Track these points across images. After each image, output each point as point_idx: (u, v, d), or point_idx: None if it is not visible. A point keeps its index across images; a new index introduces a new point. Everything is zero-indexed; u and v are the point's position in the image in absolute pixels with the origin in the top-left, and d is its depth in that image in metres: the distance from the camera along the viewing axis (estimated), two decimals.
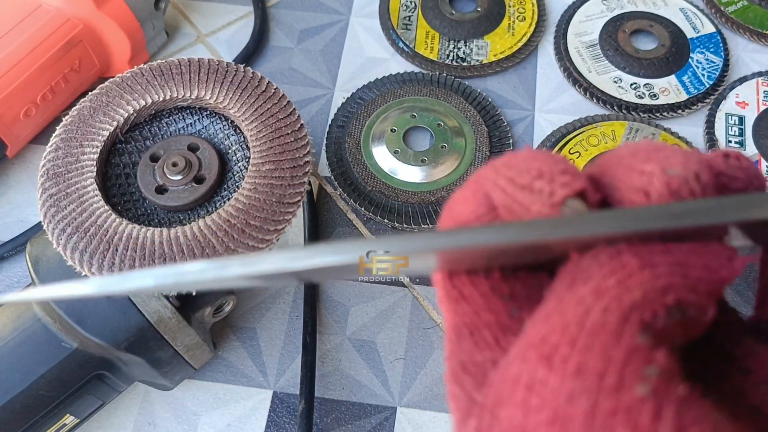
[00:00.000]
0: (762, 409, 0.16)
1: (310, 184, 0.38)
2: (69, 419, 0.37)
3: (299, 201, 0.35)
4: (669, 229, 0.14)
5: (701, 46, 0.57)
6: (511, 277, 0.17)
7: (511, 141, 0.52)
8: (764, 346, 0.17)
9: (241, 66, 0.39)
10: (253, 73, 0.39)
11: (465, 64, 0.56)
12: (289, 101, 0.38)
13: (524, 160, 0.17)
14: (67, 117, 0.37)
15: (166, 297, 0.35)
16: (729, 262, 0.15)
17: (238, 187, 0.36)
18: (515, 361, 0.14)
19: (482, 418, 0.14)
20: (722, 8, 0.59)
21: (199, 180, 0.36)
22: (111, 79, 0.38)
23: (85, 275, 0.33)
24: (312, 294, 0.46)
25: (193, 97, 0.38)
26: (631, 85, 0.55)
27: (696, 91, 0.55)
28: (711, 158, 0.16)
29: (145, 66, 0.39)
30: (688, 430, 0.12)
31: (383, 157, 0.51)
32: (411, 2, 0.60)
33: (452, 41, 0.58)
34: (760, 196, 0.15)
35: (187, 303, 0.37)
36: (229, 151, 0.38)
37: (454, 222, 0.18)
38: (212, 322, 0.40)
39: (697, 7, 0.59)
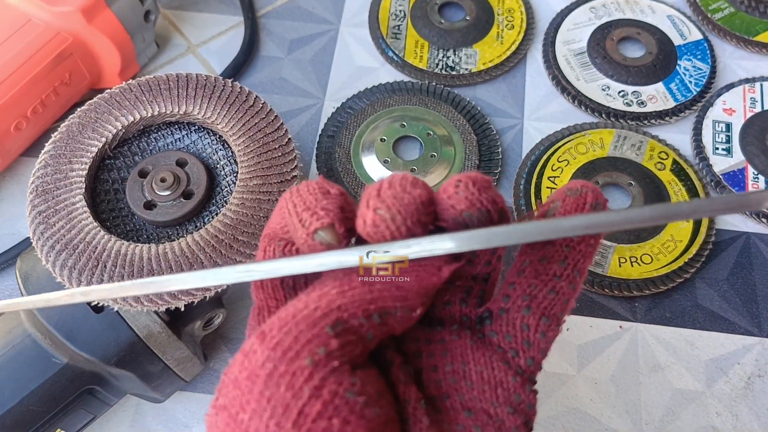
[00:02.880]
0: (428, 387, 0.22)
1: None
2: None
3: None
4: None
5: (688, 53, 0.57)
6: (300, 276, 0.23)
7: (500, 149, 0.53)
8: (462, 337, 0.23)
9: (229, 81, 0.39)
10: (241, 87, 0.39)
11: (454, 72, 0.57)
12: (277, 116, 0.38)
13: (306, 192, 0.22)
14: (56, 133, 0.37)
15: (156, 312, 0.36)
16: (438, 271, 0.21)
17: (226, 202, 0.37)
18: (250, 336, 0.19)
19: (224, 374, 0.19)
20: (709, 15, 0.59)
21: (187, 195, 0.36)
22: (99, 95, 0.39)
23: None
24: None
25: (181, 112, 0.38)
26: (619, 92, 0.55)
27: (683, 98, 0.55)
28: (425, 199, 0.21)
29: (134, 81, 0.39)
30: (324, 387, 0.17)
31: (373, 166, 0.52)
32: (400, 11, 0.60)
33: (441, 50, 0.58)
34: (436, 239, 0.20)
35: (176, 317, 0.37)
36: (218, 166, 0.38)
37: (269, 228, 0.24)
38: (202, 335, 0.40)
39: (684, 14, 0.60)
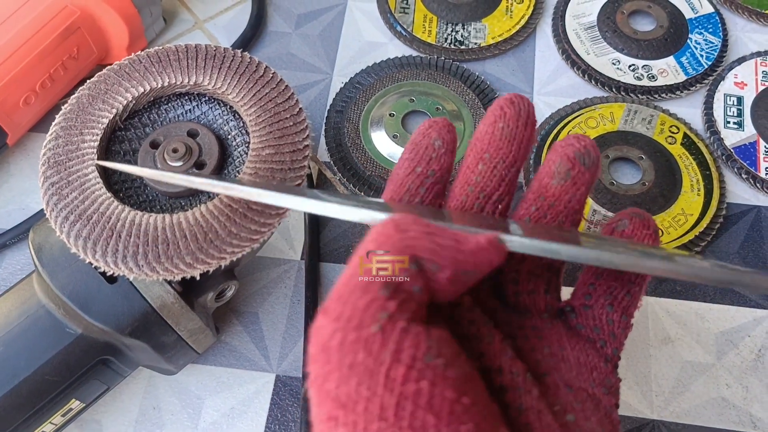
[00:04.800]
0: (526, 365, 0.24)
1: (309, 169, 0.38)
2: (75, 404, 0.38)
3: (300, 185, 0.36)
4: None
5: (700, 27, 0.57)
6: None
7: None
8: (555, 325, 0.26)
9: (239, 51, 0.39)
10: (250, 58, 0.39)
11: (463, 47, 0.56)
12: (287, 85, 0.38)
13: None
14: (66, 105, 0.37)
15: (169, 282, 0.36)
16: (485, 248, 0.21)
17: (238, 172, 0.36)
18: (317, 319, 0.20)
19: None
20: None
21: (199, 166, 0.36)
22: (109, 67, 0.38)
23: (89, 262, 0.33)
24: (313, 278, 0.46)
25: (191, 83, 0.38)
26: (630, 66, 0.55)
27: (694, 71, 0.55)
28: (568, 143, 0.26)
29: (143, 53, 0.39)
30: (402, 351, 0.18)
31: (382, 141, 0.51)
32: None
33: (450, 24, 0.57)
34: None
35: (189, 288, 0.37)
36: (229, 136, 0.38)
37: (393, 182, 0.27)
38: (215, 307, 0.40)
39: None
